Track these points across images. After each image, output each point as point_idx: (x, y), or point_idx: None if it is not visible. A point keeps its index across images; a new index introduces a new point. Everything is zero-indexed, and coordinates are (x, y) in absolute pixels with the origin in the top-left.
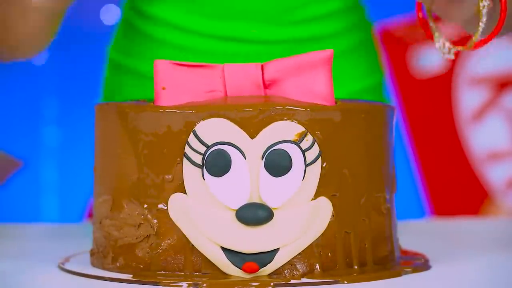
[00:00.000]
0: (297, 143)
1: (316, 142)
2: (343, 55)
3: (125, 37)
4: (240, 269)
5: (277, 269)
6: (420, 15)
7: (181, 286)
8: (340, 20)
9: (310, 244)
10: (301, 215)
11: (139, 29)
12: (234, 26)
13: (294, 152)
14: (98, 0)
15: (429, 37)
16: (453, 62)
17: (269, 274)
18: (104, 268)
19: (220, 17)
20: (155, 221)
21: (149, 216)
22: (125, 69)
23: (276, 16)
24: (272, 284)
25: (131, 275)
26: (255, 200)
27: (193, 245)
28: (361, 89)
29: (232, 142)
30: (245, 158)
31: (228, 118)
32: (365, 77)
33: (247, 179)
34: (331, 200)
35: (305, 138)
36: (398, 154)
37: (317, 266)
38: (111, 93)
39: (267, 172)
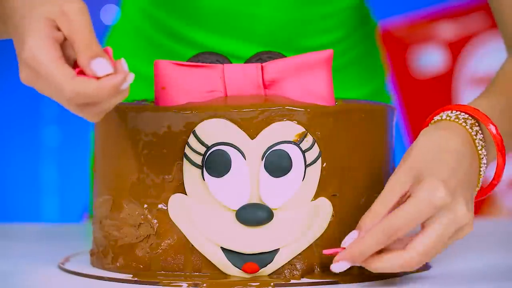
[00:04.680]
0: (297, 143)
1: (316, 143)
2: (347, 67)
3: (130, 39)
4: (240, 269)
5: (277, 269)
6: None
7: (181, 286)
8: (344, 43)
9: (310, 244)
10: (301, 215)
11: (152, 39)
12: (243, 47)
13: (294, 152)
14: (98, 0)
15: None
16: (453, 62)
17: (269, 274)
18: (104, 268)
19: (231, 37)
20: (155, 221)
21: (149, 216)
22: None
23: (282, 43)
24: (272, 284)
25: (131, 275)
26: (255, 200)
27: (193, 245)
28: (367, 93)
29: (232, 143)
30: (245, 159)
31: (228, 119)
32: (369, 82)
33: (247, 180)
34: (331, 200)
35: (305, 139)
36: (398, 154)
37: (317, 266)
38: None
39: (267, 173)
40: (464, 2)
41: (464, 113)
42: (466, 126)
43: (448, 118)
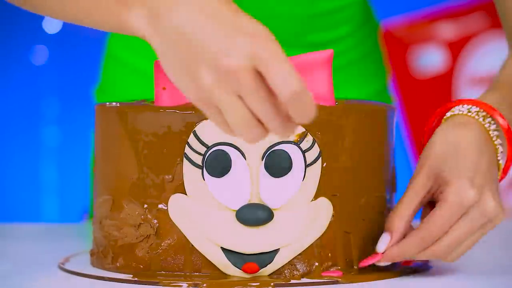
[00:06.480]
0: (297, 143)
1: (316, 143)
2: (352, 65)
3: (132, 37)
4: (240, 269)
5: (277, 269)
6: None
7: (181, 286)
8: (350, 40)
9: (310, 244)
10: (301, 215)
11: None
12: None
13: (294, 152)
14: None
15: None
16: (453, 62)
17: (269, 274)
18: (104, 268)
19: None
20: (155, 221)
21: (149, 216)
22: (124, 63)
23: (289, 38)
24: (272, 284)
25: (131, 275)
26: (255, 200)
27: (193, 245)
28: (370, 92)
29: (232, 143)
30: (245, 159)
31: None
32: (372, 81)
33: (247, 180)
34: (331, 200)
35: (305, 139)
36: (398, 154)
37: (318, 265)
38: (107, 85)
39: (267, 173)
40: (464, 2)
41: (475, 107)
42: (479, 119)
43: (460, 112)
